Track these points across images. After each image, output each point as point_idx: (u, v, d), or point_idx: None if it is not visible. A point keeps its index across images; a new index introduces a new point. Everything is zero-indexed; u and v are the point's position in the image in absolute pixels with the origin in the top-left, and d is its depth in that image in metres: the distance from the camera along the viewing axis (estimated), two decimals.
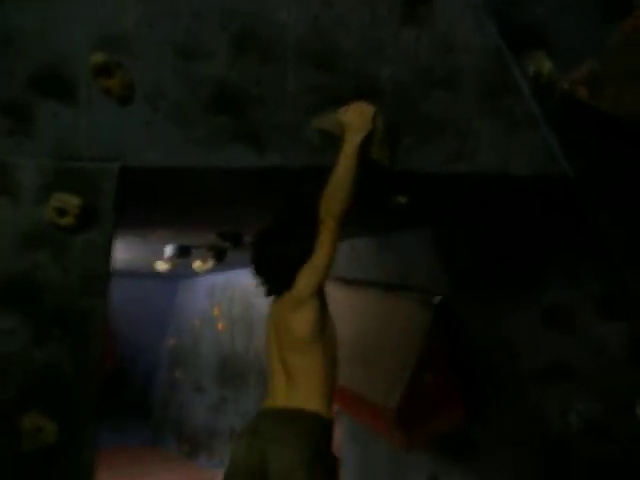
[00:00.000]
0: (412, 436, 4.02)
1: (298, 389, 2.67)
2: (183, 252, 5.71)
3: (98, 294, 2.52)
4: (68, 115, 2.49)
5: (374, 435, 4.76)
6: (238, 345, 8.00)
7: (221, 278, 8.13)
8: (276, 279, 2.73)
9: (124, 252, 5.65)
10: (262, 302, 7.67)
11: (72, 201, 2.47)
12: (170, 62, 2.52)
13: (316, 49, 2.57)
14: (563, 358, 3.43)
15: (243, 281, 7.77)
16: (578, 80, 2.37)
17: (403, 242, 4.40)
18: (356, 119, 2.47)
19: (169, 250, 5.73)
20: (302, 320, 2.63)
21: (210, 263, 6.29)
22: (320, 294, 2.66)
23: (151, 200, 3.19)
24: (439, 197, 3.23)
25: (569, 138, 2.66)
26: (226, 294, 8.22)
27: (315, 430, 2.64)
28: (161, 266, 6.45)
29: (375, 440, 4.90)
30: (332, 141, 2.53)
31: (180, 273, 7.53)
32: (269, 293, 2.81)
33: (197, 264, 6.49)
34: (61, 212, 2.48)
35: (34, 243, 2.49)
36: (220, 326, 8.36)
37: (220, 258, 5.97)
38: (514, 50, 2.61)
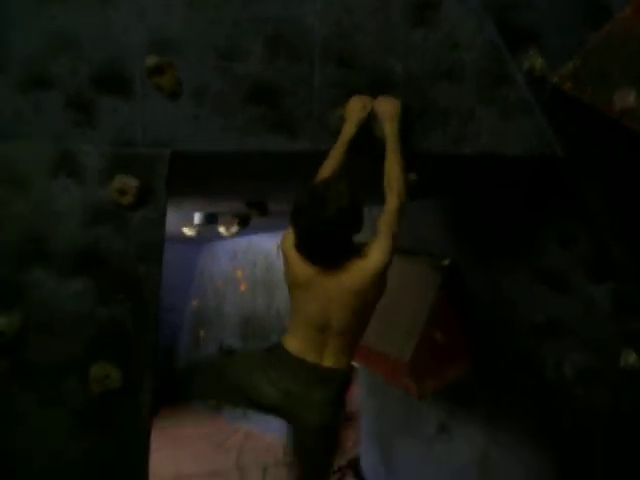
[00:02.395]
0: (423, 386, 4.38)
1: (340, 347, 2.75)
2: (211, 219, 6.06)
3: (154, 261, 2.88)
4: (125, 108, 2.82)
5: (389, 388, 5.12)
6: (260, 305, 8.28)
7: (244, 242, 8.34)
8: (332, 253, 2.66)
9: None
10: (282, 264, 8.00)
11: (131, 182, 2.83)
12: (213, 62, 2.83)
13: (338, 49, 2.86)
14: (557, 314, 3.71)
15: (264, 245, 8.03)
16: (564, 75, 2.70)
17: (414, 211, 4.69)
18: (390, 109, 2.81)
19: (197, 218, 6.08)
20: (379, 287, 2.73)
21: (235, 228, 6.62)
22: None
23: (192, 177, 3.55)
24: (446, 173, 3.56)
25: (559, 123, 2.95)
26: (248, 257, 8.45)
27: (344, 386, 2.80)
28: (189, 232, 6.77)
29: (390, 392, 5.27)
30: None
31: (204, 237, 7.81)
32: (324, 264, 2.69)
33: (222, 229, 6.80)
34: (121, 192, 2.83)
35: (98, 218, 2.83)
36: (242, 287, 8.67)
37: (244, 224, 6.31)
38: (511, 47, 2.88)
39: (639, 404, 3.45)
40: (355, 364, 5.51)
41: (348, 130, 2.82)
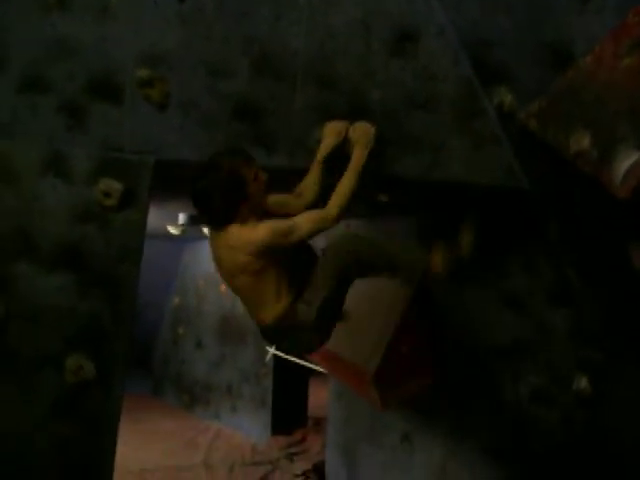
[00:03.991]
0: (386, 397, 4.50)
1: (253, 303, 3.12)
2: (194, 220, 6.21)
3: (133, 261, 3.02)
4: (115, 115, 2.96)
5: (356, 396, 5.25)
6: (239, 306, 8.36)
7: None
8: (219, 213, 2.87)
9: None
10: None
11: (115, 186, 2.97)
12: (201, 78, 2.98)
13: (320, 72, 3.02)
14: (517, 336, 3.89)
15: None
16: (530, 114, 2.86)
17: (390, 225, 4.87)
18: (363, 137, 2.96)
19: (182, 218, 6.23)
20: (259, 260, 2.87)
21: None
22: None
23: (176, 182, 3.69)
24: (418, 196, 3.73)
25: (525, 157, 3.13)
26: None
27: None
28: (173, 230, 6.90)
29: (357, 400, 5.39)
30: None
31: (188, 236, 7.93)
32: (212, 224, 2.97)
33: (206, 230, 6.91)
34: (106, 194, 2.97)
35: (83, 218, 2.97)
36: (223, 288, 8.77)
37: None
38: (483, 83, 3.05)
39: (588, 426, 3.61)
40: (323, 370, 5.68)
41: (322, 152, 3.00)
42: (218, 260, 3.00)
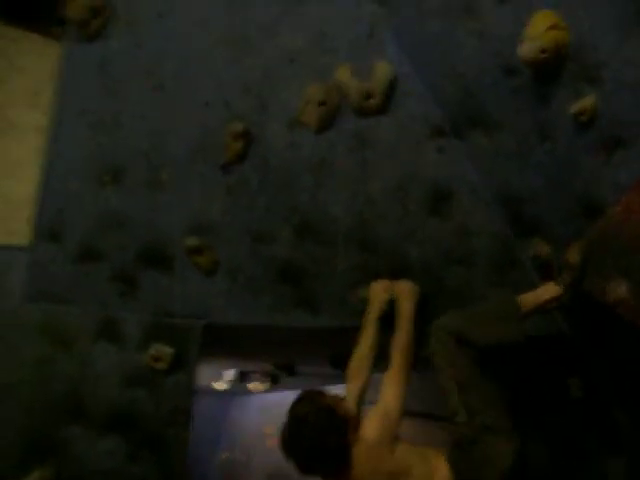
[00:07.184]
0: None
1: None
2: (242, 377, 6.24)
3: (182, 423, 3.08)
4: (166, 282, 3.12)
5: None
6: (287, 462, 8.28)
7: (273, 397, 8.45)
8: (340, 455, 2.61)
9: None
10: None
11: (166, 350, 3.09)
12: (247, 244, 3.11)
13: (360, 236, 3.11)
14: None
15: None
16: (569, 264, 2.90)
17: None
18: (409, 290, 3.02)
19: (229, 374, 6.27)
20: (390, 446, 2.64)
21: (265, 386, 6.76)
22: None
23: (223, 342, 3.78)
24: None
25: (565, 304, 3.18)
26: (277, 413, 8.52)
27: None
28: (220, 386, 6.92)
29: None
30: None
31: (235, 391, 7.92)
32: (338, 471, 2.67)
33: (252, 386, 6.93)
34: (156, 359, 3.10)
35: (134, 382, 3.07)
36: (271, 443, 8.67)
37: (274, 382, 6.47)
38: (518, 235, 3.10)
39: None
40: None
41: (373, 312, 3.00)
42: None
